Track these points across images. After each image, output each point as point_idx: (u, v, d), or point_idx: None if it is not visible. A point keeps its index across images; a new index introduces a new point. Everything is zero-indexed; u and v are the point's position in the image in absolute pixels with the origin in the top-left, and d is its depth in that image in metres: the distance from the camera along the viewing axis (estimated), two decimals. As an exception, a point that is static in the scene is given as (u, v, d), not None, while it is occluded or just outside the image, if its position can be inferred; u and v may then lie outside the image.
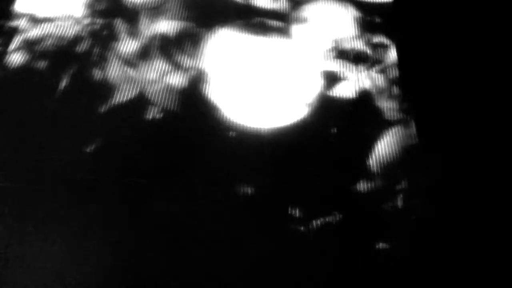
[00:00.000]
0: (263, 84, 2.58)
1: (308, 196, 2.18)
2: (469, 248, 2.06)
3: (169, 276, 1.94)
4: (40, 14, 2.81)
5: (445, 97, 2.53)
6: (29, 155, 2.25)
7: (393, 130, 2.42)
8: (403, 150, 2.35)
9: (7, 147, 2.27)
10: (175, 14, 2.86)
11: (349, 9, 2.93)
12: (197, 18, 2.84)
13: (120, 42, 2.71)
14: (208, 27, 2.81)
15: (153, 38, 2.75)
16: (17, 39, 2.69)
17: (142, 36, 2.75)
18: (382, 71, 2.64)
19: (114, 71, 2.58)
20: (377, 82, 2.60)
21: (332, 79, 2.60)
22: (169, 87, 2.54)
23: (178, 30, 2.78)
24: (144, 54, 2.67)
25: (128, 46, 2.70)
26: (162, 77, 2.58)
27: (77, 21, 2.79)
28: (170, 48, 2.71)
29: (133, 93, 2.50)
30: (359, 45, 2.75)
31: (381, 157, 2.32)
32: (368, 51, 2.72)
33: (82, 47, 2.67)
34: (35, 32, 2.73)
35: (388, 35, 2.79)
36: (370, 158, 2.32)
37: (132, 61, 2.63)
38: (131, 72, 2.58)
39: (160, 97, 2.50)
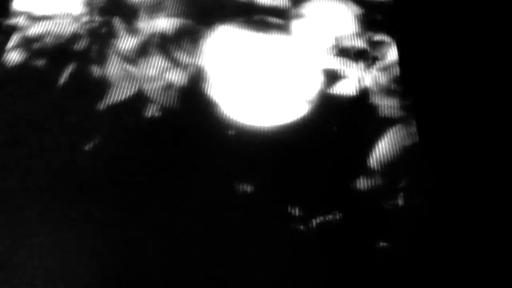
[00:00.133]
0: (263, 82, 2.57)
1: (308, 195, 2.18)
2: (469, 248, 2.05)
3: (169, 275, 1.94)
4: (38, 11, 2.80)
5: (446, 95, 2.52)
6: (27, 153, 2.24)
7: (394, 129, 2.41)
8: (403, 149, 2.34)
9: (5, 145, 2.26)
10: (174, 11, 2.85)
11: (350, 7, 2.92)
12: (196, 15, 2.83)
13: (119, 40, 2.70)
14: (208, 24, 2.80)
15: (152, 35, 2.74)
16: (15, 37, 2.68)
17: (141, 33, 2.74)
18: (383, 69, 2.63)
19: (113, 68, 2.57)
20: (377, 80, 2.59)
21: (332, 77, 2.59)
22: (168, 84, 2.53)
23: (178, 27, 2.77)
24: (143, 52, 2.66)
25: (127, 43, 2.69)
26: (161, 75, 2.57)
27: (76, 18, 2.78)
28: (169, 45, 2.70)
29: (132, 91, 2.49)
30: (359, 42, 2.74)
31: (382, 156, 2.31)
32: (369, 49, 2.71)
33: (80, 44, 2.66)
34: (33, 30, 2.71)
35: (389, 33, 2.79)
36: (370, 157, 2.31)
37: (131, 59, 2.62)
38: (130, 69, 2.57)
39: (159, 94, 2.49)
